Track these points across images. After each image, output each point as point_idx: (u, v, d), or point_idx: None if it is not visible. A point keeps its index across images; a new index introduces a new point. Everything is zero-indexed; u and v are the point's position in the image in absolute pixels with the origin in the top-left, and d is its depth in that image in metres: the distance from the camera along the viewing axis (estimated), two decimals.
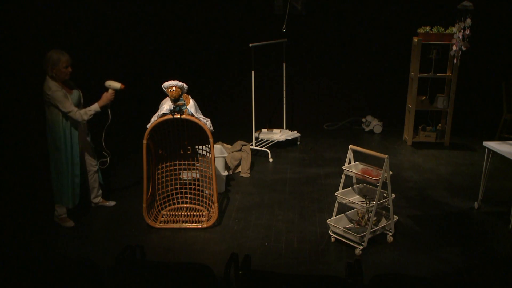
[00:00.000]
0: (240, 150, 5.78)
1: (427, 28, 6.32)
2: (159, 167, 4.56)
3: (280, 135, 6.64)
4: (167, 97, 4.21)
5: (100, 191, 4.62)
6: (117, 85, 4.10)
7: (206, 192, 4.62)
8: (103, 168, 4.54)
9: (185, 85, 4.09)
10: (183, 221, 4.37)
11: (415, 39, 6.50)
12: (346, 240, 3.93)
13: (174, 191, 4.65)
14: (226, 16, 7.39)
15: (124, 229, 4.28)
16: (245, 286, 2.36)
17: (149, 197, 4.34)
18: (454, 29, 5.96)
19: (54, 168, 4.13)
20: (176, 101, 4.08)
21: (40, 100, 4.05)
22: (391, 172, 3.90)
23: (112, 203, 4.70)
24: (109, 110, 4.27)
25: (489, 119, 7.29)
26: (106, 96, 4.14)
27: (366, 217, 4.02)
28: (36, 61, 5.21)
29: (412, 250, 3.91)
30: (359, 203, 3.94)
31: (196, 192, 4.67)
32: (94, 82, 5.26)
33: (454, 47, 5.95)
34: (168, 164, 4.59)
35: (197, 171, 4.67)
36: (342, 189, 4.16)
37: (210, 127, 4.19)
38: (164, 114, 4.09)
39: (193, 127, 4.41)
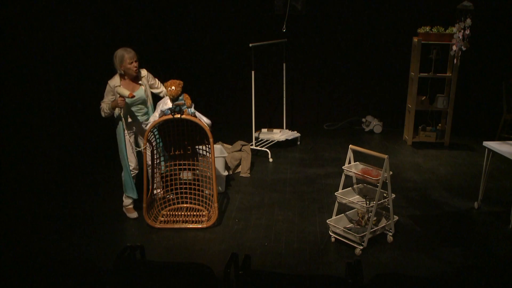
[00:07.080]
0: (240, 150, 5.78)
1: (427, 28, 6.32)
2: (159, 167, 4.56)
3: (280, 135, 6.64)
4: (165, 97, 4.22)
5: (158, 183, 4.60)
6: (125, 92, 4.14)
7: (206, 192, 4.62)
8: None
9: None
10: (183, 221, 4.37)
11: (415, 39, 6.50)
12: (346, 240, 3.93)
13: (174, 191, 4.65)
14: (226, 16, 7.39)
15: (124, 229, 4.28)
16: (245, 286, 2.36)
17: (149, 197, 4.34)
18: (454, 29, 5.96)
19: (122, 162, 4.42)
20: (175, 101, 4.08)
21: (47, 100, 4.04)
22: (391, 172, 3.90)
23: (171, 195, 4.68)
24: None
25: (489, 119, 7.28)
26: (116, 101, 4.17)
27: (366, 217, 4.02)
28: (36, 61, 5.21)
29: (412, 250, 3.91)
30: (359, 203, 3.94)
31: (196, 192, 4.67)
32: (93, 81, 5.26)
33: (454, 47, 5.95)
34: (168, 164, 4.59)
35: (197, 171, 4.67)
36: (342, 189, 4.16)
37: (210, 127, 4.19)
38: (164, 114, 4.09)
39: (193, 127, 4.41)
